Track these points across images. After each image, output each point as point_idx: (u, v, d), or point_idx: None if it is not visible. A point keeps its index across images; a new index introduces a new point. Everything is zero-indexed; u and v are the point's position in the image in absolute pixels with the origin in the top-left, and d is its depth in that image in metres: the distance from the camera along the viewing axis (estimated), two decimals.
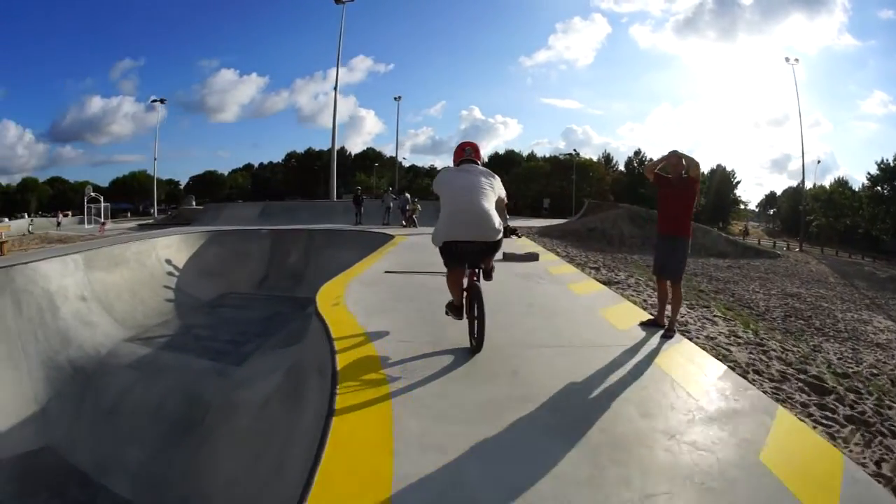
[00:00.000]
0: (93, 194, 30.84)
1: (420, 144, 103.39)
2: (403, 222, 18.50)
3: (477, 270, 3.71)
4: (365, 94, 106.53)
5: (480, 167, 3.76)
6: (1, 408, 6.25)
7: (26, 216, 39.65)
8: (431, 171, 68.22)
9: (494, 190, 3.60)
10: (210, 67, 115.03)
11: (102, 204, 30.43)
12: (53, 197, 67.24)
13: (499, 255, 4.73)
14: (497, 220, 3.49)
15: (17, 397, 6.63)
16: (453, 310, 3.86)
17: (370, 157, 69.06)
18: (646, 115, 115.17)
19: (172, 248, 12.36)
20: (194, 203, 32.56)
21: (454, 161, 3.86)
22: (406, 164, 70.04)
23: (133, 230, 22.45)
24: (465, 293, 3.71)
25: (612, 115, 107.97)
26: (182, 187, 72.86)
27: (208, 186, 69.78)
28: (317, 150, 67.18)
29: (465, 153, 3.82)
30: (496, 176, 3.71)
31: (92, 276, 9.83)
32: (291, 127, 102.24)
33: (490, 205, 3.49)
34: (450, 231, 3.47)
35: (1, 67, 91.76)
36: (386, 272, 7.31)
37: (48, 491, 5.52)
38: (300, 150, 70.34)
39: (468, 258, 3.58)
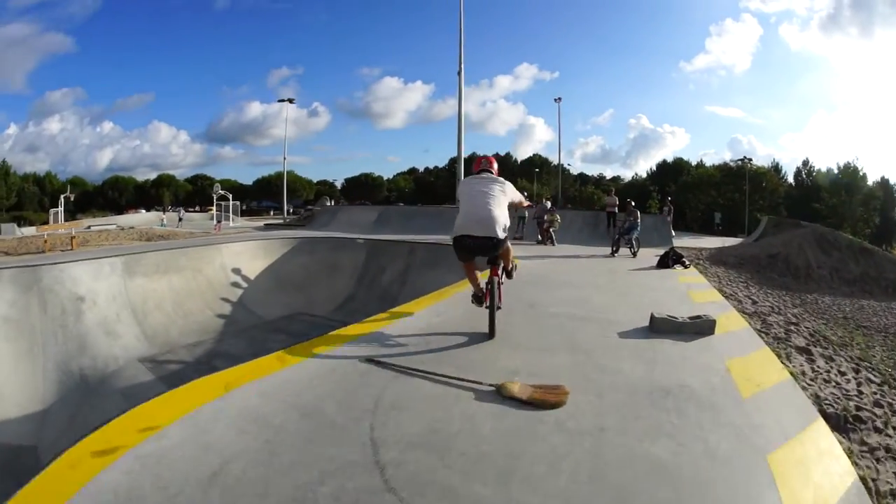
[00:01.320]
0: (221, 192, 31.07)
1: (590, 153, 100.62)
2: (539, 237, 14.58)
3: (499, 269, 4.46)
4: (533, 102, 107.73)
5: (493, 175, 4.46)
6: (11, 398, 6.61)
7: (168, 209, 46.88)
8: (600, 180, 65.97)
9: (506, 195, 4.28)
10: (372, 76, 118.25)
11: (231, 202, 30.73)
12: (194, 193, 71.61)
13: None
14: (502, 223, 4.11)
15: (27, 393, 6.85)
16: (475, 299, 4.59)
17: (535, 163, 67.86)
18: (803, 123, 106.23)
19: (246, 255, 11.35)
20: (329, 203, 33.23)
21: (474, 171, 4.58)
22: (574, 171, 68.55)
23: (259, 229, 22.92)
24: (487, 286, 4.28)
25: (773, 125, 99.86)
26: (339, 189, 76.14)
27: (364, 189, 72.15)
28: (480, 155, 70.80)
29: (482, 164, 4.58)
30: (507, 182, 4.36)
31: (130, 282, 9.27)
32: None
33: (497, 209, 4.13)
34: (460, 227, 4.18)
35: (151, 74, 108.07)
36: None
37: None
38: (465, 154, 73.61)
39: (476, 251, 4.25)
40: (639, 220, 11.72)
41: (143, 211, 50.87)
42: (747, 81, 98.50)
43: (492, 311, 4.19)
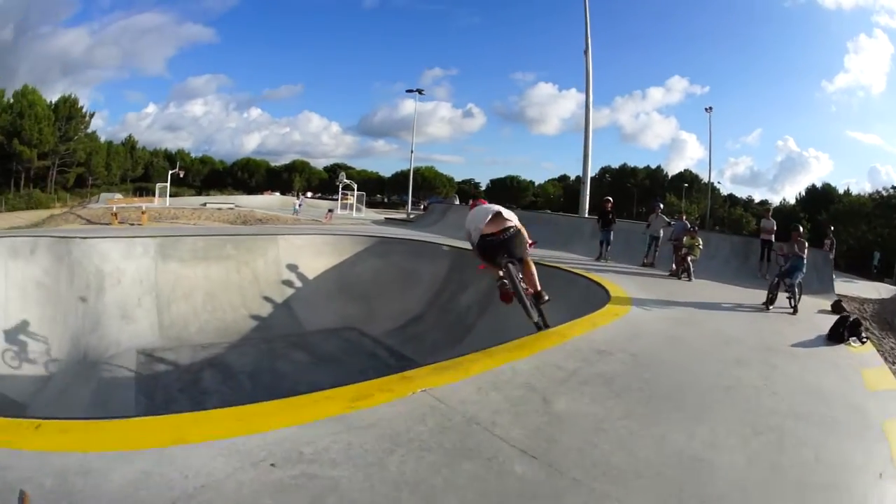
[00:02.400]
0: (346, 181, 31.21)
1: (739, 174, 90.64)
2: (673, 265, 10.26)
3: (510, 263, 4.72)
4: (685, 117, 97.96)
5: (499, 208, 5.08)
6: (27, 357, 6.73)
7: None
8: (749, 203, 63.09)
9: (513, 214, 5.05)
10: (525, 81, 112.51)
11: (355, 192, 30.62)
12: (330, 181, 67.46)
13: None
14: (515, 220, 4.89)
15: (41, 357, 6.88)
16: (504, 296, 5.03)
17: (686, 178, 64.66)
18: None
19: (308, 250, 10.19)
20: (457, 201, 30.15)
21: (471, 208, 5.39)
22: (724, 192, 64.47)
23: (377, 223, 21.90)
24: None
25: None
26: (483, 190, 74.14)
27: (509, 192, 69.41)
28: (631, 166, 66.97)
29: (478, 203, 5.44)
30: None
31: (162, 265, 9.01)
32: (614, 143, 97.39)
33: (507, 211, 4.95)
34: (476, 231, 4.76)
35: (299, 67, 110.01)
36: None
37: None
38: (616, 165, 69.25)
39: (498, 247, 4.68)
40: (805, 257, 7.77)
41: (278, 194, 52.96)
42: (884, 105, 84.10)
43: (523, 302, 4.75)
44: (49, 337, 7.31)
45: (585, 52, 18.35)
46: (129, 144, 67.08)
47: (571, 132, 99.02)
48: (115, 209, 20.21)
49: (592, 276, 8.13)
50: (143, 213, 19.26)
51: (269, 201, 38.13)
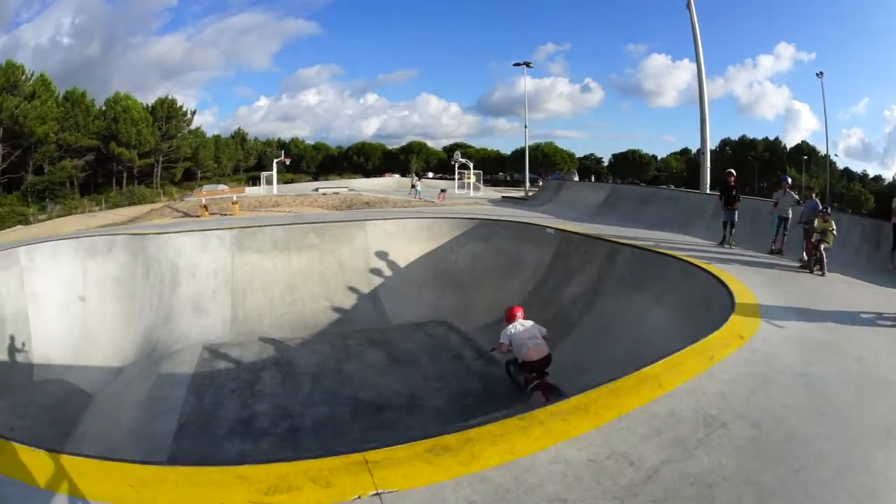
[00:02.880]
0: (462, 160, 29.36)
1: (852, 147, 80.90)
2: (804, 255, 7.29)
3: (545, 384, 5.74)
4: (797, 86, 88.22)
5: (530, 322, 6.08)
6: (100, 351, 6.84)
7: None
8: (864, 177, 57.12)
9: (539, 330, 5.97)
10: (638, 52, 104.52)
11: (471, 171, 28.71)
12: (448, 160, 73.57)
13: None
14: (547, 347, 5.83)
15: (115, 350, 6.98)
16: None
17: (803, 150, 58.25)
18: None
19: (400, 236, 9.22)
20: (576, 178, 26.06)
21: (509, 319, 6.07)
22: (839, 165, 57.62)
23: (493, 202, 19.32)
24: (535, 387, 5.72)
25: None
26: (606, 165, 70.92)
27: (632, 166, 66.66)
28: (750, 138, 61.88)
29: (515, 315, 6.10)
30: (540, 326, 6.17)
31: (239, 257, 8.47)
32: (730, 114, 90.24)
33: (542, 338, 5.89)
34: (524, 356, 5.71)
35: (414, 50, 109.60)
36: None
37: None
38: (735, 137, 64.21)
39: (531, 373, 5.77)
40: None
41: (397, 176, 51.18)
42: None
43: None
44: (124, 331, 7.29)
45: (688, 5, 14.92)
46: (239, 136, 68.19)
47: (689, 104, 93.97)
48: (204, 201, 19.96)
49: (713, 268, 6.06)
50: (233, 203, 18.16)
51: (385, 184, 37.54)
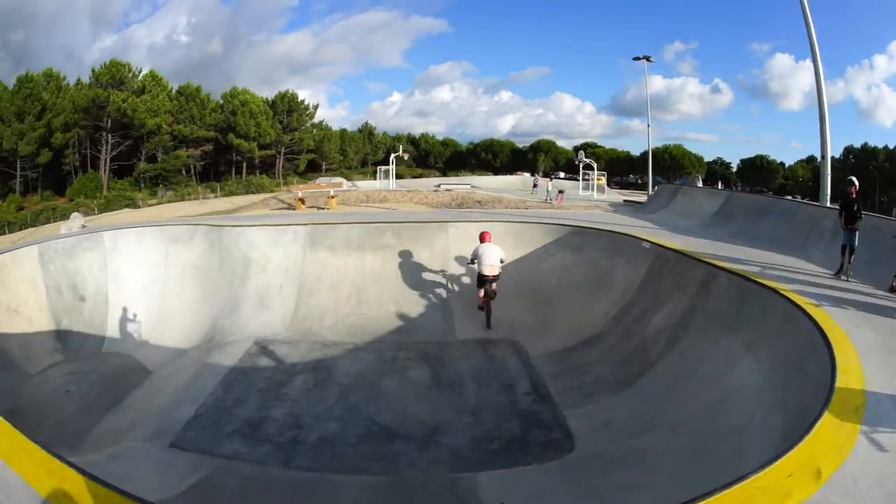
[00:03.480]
0: (586, 160, 27.26)
1: None
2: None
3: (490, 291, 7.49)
4: None
5: (492, 244, 7.58)
6: (172, 332, 7.23)
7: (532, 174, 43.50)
8: None
9: (500, 254, 7.48)
10: (762, 52, 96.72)
11: (595, 172, 27.02)
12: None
13: None
14: (498, 267, 7.39)
15: (185, 333, 7.26)
16: (479, 307, 7.54)
17: None
18: None
19: (487, 239, 7.50)
20: (700, 183, 21.24)
21: (481, 241, 7.52)
22: None
23: (613, 205, 16.95)
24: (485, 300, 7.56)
25: None
26: (734, 170, 67.68)
27: (759, 172, 63.14)
28: (871, 146, 56.56)
29: (485, 239, 7.56)
30: (497, 247, 7.55)
31: (311, 254, 8.12)
32: (851, 120, 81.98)
33: (496, 259, 7.40)
34: (481, 268, 7.33)
35: (547, 47, 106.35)
36: None
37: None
38: (857, 144, 59.12)
39: (485, 283, 7.41)
40: None
41: (527, 175, 47.44)
42: None
43: (488, 316, 7.47)
44: (195, 316, 7.54)
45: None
46: (367, 130, 69.20)
47: (813, 107, 79.23)
48: (300, 195, 19.70)
49: (822, 315, 4.28)
50: (330, 197, 17.78)
51: (510, 182, 35.85)
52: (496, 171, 61.18)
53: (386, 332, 7.14)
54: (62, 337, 7.00)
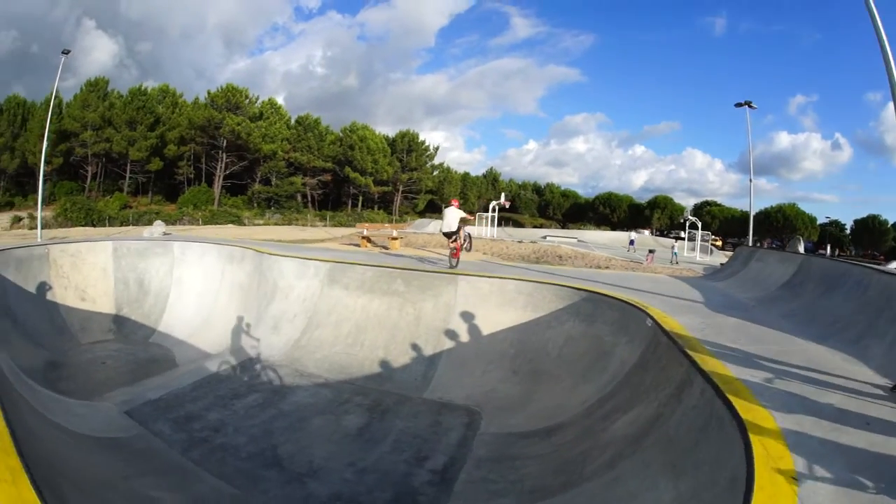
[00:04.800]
0: (691, 219, 27.27)
1: None
2: None
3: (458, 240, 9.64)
4: None
5: (455, 208, 9.89)
6: (212, 337, 8.39)
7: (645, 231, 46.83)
8: None
9: (458, 216, 9.69)
10: (875, 101, 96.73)
11: (699, 231, 26.99)
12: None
13: None
14: (455, 225, 9.56)
15: (222, 341, 8.26)
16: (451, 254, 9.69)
17: None
18: None
19: (496, 298, 8.21)
20: (800, 248, 18.25)
21: (450, 206, 10.08)
22: None
23: (707, 270, 14.89)
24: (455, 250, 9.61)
25: None
26: (847, 231, 65.72)
27: (871, 234, 60.59)
28: None
29: (451, 204, 10.12)
30: (460, 210, 9.84)
31: (328, 290, 8.72)
32: None
33: (454, 220, 9.59)
34: (443, 228, 9.79)
35: (677, 101, 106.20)
36: None
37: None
38: None
39: (448, 238, 9.69)
40: None
41: (647, 233, 48.47)
42: None
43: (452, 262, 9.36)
44: (229, 328, 8.55)
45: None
46: (491, 176, 72.66)
47: None
48: (366, 233, 20.74)
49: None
50: (392, 238, 18.43)
51: (617, 239, 34.64)
52: (614, 226, 60.96)
53: (361, 375, 7.23)
54: (119, 321, 8.55)
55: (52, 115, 42.07)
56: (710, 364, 4.21)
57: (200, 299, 9.36)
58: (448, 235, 9.52)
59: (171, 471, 4.70)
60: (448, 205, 10.04)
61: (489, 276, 8.24)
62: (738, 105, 25.02)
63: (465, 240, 9.75)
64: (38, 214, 20.27)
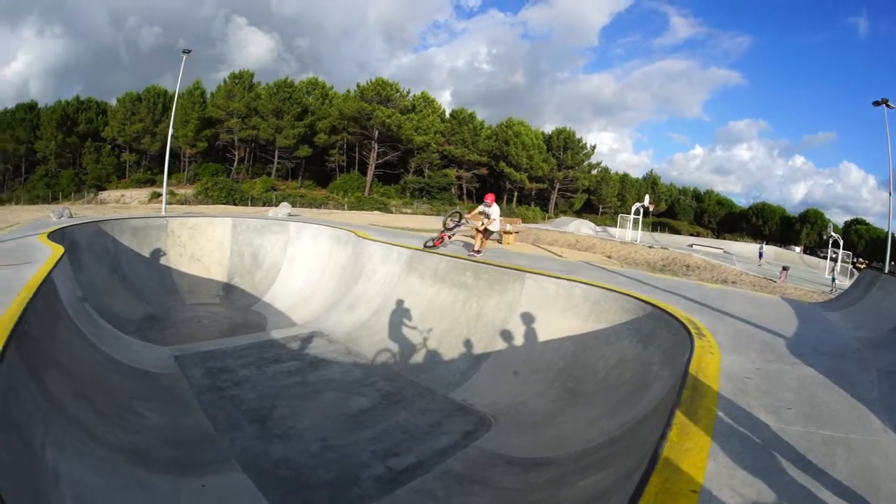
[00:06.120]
0: (834, 236, 24.76)
1: None
2: None
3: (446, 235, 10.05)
4: None
5: (490, 204, 9.56)
6: (312, 307, 9.40)
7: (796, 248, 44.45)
8: None
9: (495, 212, 9.55)
10: None
11: (840, 251, 23.43)
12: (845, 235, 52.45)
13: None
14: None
15: (322, 310, 9.19)
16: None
17: None
18: None
19: (560, 301, 7.04)
20: None
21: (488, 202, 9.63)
22: None
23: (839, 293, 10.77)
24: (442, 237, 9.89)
25: None
26: None
27: None
28: None
29: (484, 199, 9.63)
30: (495, 207, 9.56)
31: (405, 277, 8.91)
32: None
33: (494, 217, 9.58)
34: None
35: (834, 111, 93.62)
36: None
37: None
38: None
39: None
40: None
41: (797, 249, 47.40)
42: None
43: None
44: (323, 304, 9.37)
45: None
46: (651, 179, 71.58)
47: None
48: (480, 226, 21.13)
49: None
50: (506, 233, 18.64)
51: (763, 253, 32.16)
52: (767, 239, 55.96)
53: (404, 362, 7.23)
54: (228, 289, 10.13)
55: (196, 104, 48.85)
56: (696, 459, 2.60)
57: (308, 276, 10.28)
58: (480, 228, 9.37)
59: (175, 402, 5.37)
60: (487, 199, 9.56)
61: (557, 277, 7.68)
62: (876, 104, 21.66)
63: (480, 230, 9.33)
64: (164, 190, 22.81)
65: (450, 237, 10.04)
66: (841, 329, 6.11)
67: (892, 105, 20.82)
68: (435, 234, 10.15)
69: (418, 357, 7.41)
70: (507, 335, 7.24)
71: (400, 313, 8.20)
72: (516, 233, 18.60)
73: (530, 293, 7.48)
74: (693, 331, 5.07)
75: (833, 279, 17.53)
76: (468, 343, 7.34)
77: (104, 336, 6.36)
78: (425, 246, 9.44)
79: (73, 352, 5.00)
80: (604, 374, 5.98)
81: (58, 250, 6.74)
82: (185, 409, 5.34)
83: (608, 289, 6.93)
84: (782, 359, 4.45)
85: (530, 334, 7.06)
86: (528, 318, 7.25)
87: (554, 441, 5.07)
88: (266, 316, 9.37)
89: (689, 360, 4.19)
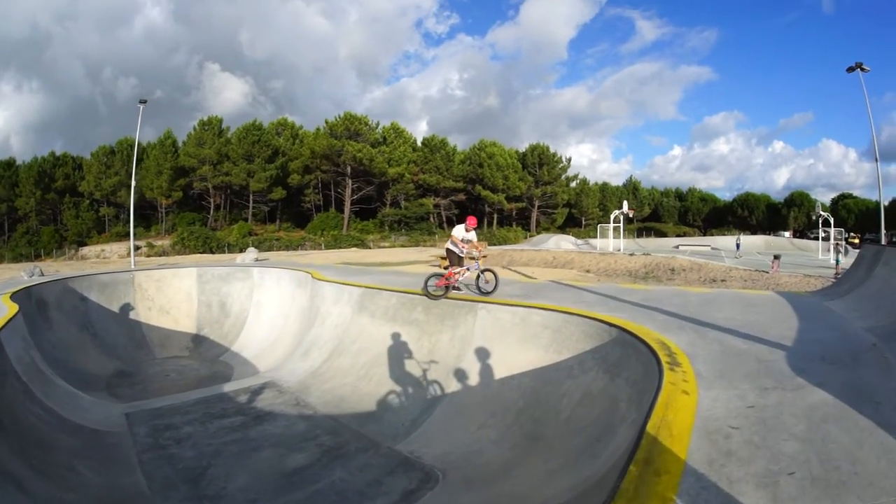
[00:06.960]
0: (823, 214, 24.92)
1: None
2: None
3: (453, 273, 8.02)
4: None
5: (466, 228, 8.11)
6: (276, 351, 9.10)
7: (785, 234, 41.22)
8: None
9: (471, 238, 8.15)
10: None
11: (832, 229, 24.53)
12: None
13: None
14: (456, 253, 8.07)
15: (280, 353, 8.99)
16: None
17: None
18: None
19: (517, 332, 6.42)
20: None
21: (469, 226, 8.14)
22: None
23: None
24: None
25: None
26: None
27: None
28: None
29: (469, 222, 8.12)
30: (473, 232, 8.20)
31: (357, 317, 8.44)
32: None
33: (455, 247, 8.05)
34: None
35: (807, 91, 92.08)
36: None
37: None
38: None
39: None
40: None
41: (786, 234, 44.71)
42: None
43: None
44: (286, 350, 8.97)
45: None
46: (631, 185, 70.20)
47: None
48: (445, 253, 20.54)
49: None
50: (482, 256, 17.52)
51: (751, 244, 30.17)
52: (753, 230, 55.36)
53: (351, 412, 6.60)
54: (197, 340, 9.63)
55: (168, 154, 48.03)
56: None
57: (273, 322, 9.94)
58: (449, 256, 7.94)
59: (116, 461, 5.18)
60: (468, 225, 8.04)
61: (512, 304, 7.21)
62: (850, 69, 21.10)
63: (471, 270, 7.94)
64: (130, 244, 22.54)
65: (458, 280, 7.95)
66: (848, 321, 5.48)
67: (867, 68, 20.39)
68: (435, 271, 9.32)
69: (368, 404, 6.77)
70: (461, 374, 6.64)
71: (351, 357, 7.61)
72: (483, 257, 18.07)
73: (484, 325, 6.95)
74: (665, 359, 4.35)
75: (837, 260, 16.86)
76: (420, 385, 6.74)
77: (55, 394, 6.19)
78: (428, 291, 7.61)
79: (13, 409, 5.06)
80: (567, 413, 5.34)
81: (12, 309, 6.76)
82: (125, 467, 5.13)
83: (570, 312, 6.38)
84: (782, 383, 3.62)
85: (486, 371, 6.50)
86: (483, 354, 6.69)
87: (505, 501, 4.36)
88: (233, 366, 8.98)
89: (650, 410, 3.34)
